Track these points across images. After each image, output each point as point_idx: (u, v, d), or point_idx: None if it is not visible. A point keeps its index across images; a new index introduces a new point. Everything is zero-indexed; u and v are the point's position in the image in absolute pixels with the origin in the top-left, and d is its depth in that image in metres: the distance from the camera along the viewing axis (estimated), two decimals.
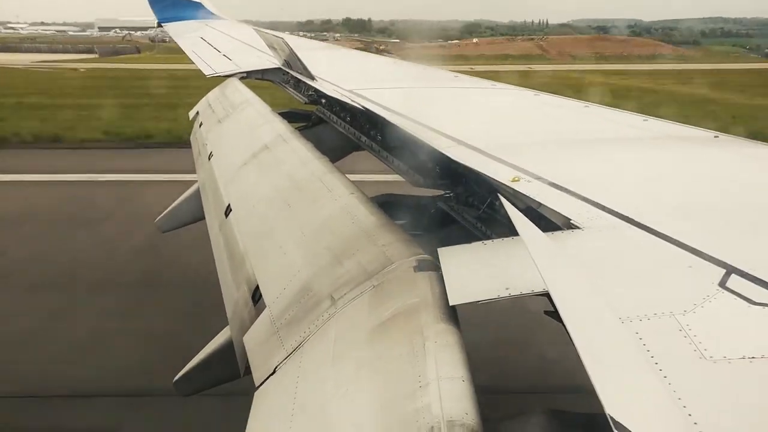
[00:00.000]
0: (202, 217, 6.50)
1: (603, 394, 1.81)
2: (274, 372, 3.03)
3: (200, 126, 9.41)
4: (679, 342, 2.12)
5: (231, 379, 4.31)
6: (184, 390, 4.87)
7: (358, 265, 3.35)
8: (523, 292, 2.54)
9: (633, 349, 2.08)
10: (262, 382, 3.03)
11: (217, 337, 4.57)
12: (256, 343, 3.42)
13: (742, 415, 1.82)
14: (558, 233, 3.02)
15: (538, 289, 2.54)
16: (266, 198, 5.16)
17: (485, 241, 3.03)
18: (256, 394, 2.98)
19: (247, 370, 3.58)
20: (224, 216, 5.37)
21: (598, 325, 2.21)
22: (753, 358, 1.99)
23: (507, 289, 2.57)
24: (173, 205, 9.16)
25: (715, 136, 5.01)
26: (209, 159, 7.44)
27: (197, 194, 7.96)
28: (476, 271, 2.83)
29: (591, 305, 2.32)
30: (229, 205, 5.44)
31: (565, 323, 2.10)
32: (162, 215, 9.27)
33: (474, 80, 9.53)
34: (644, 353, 2.06)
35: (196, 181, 8.04)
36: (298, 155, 5.42)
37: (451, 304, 2.55)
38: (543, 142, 5.09)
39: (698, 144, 4.98)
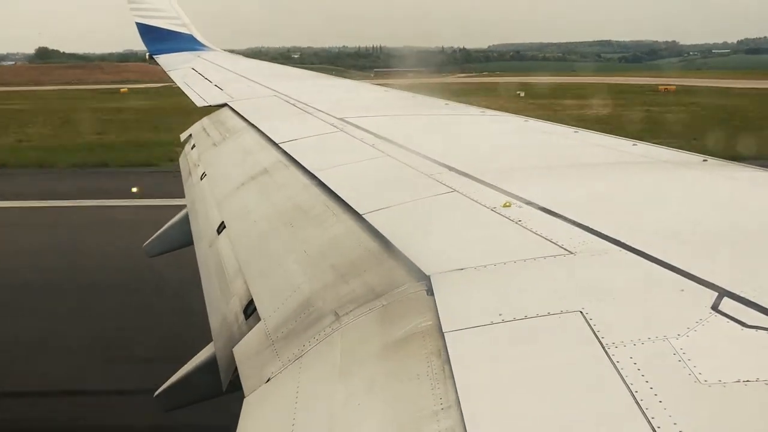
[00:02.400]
0: (190, 243, 6.47)
1: None
2: (267, 382, 2.99)
3: (192, 148, 9.43)
4: (674, 366, 2.11)
5: (213, 396, 4.29)
6: (165, 405, 4.84)
7: (365, 285, 3.32)
8: (517, 318, 2.53)
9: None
10: (253, 391, 2.99)
11: (201, 353, 4.54)
12: (248, 354, 3.37)
13: None
14: (549, 258, 3.02)
15: (532, 314, 2.54)
16: (266, 217, 5.14)
17: (477, 267, 3.03)
18: (246, 401, 2.94)
19: (231, 386, 3.56)
20: (216, 233, 5.36)
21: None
22: (748, 381, 1.98)
23: (500, 315, 2.56)
24: (161, 229, 9.09)
25: (703, 160, 5.05)
26: (201, 179, 7.45)
27: (186, 220, 7.94)
28: (469, 297, 2.82)
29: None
30: (222, 222, 5.44)
31: None
32: (150, 240, 9.19)
33: (463, 107, 9.60)
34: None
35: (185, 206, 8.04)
36: (301, 180, 5.42)
37: (444, 331, 2.53)
38: (534, 167, 5.12)
39: (687, 168, 5.01)
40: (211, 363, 4.05)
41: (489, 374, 2.29)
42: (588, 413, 2.00)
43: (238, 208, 5.72)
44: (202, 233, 5.87)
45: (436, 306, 2.74)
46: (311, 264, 3.92)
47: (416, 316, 2.78)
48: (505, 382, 2.22)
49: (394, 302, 3.01)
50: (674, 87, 76.33)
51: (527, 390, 2.16)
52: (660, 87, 76.64)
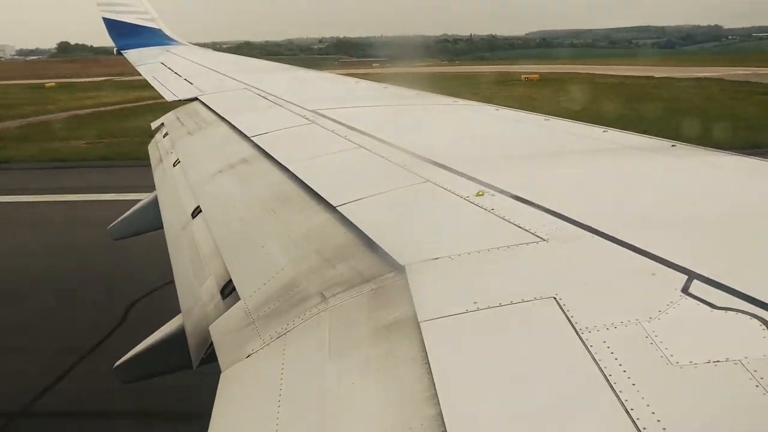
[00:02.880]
0: (158, 228, 6.46)
1: None
2: (247, 357, 2.98)
3: (164, 136, 9.36)
4: (646, 349, 2.14)
5: (179, 370, 4.31)
6: (125, 377, 4.85)
7: (353, 269, 3.30)
8: (491, 306, 2.55)
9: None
10: (231, 366, 2.98)
11: (165, 326, 4.55)
12: (226, 331, 3.35)
13: (710, 419, 1.84)
14: (523, 246, 3.05)
15: (506, 301, 2.56)
16: (246, 203, 5.12)
17: (451, 256, 3.04)
18: (223, 375, 2.93)
19: (203, 362, 3.57)
20: (191, 217, 5.34)
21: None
22: (718, 361, 2.02)
23: (475, 303, 2.58)
24: (128, 213, 9.02)
25: (672, 145, 5.11)
26: (174, 165, 7.40)
27: (154, 204, 7.93)
28: (444, 287, 2.84)
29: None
30: (198, 207, 5.41)
31: None
32: (115, 222, 9.12)
33: (435, 96, 9.61)
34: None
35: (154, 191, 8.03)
36: (273, 172, 5.39)
37: (420, 320, 2.55)
38: (506, 156, 5.14)
39: (657, 153, 5.07)
40: (177, 339, 4.09)
41: (465, 362, 2.31)
42: (562, 396, 2.03)
43: (215, 193, 5.69)
44: (174, 217, 5.84)
45: (410, 295, 2.75)
46: (294, 248, 3.91)
47: (409, 301, 2.78)
48: (481, 370, 2.24)
49: (385, 286, 3.00)
50: (537, 76, 72.93)
51: (503, 376, 2.18)
52: (523, 77, 72.95)
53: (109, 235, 9.20)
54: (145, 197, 8.83)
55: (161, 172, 7.83)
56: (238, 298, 3.59)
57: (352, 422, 2.25)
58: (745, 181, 4.22)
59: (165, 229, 5.80)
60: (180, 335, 4.05)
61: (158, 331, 4.59)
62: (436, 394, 2.11)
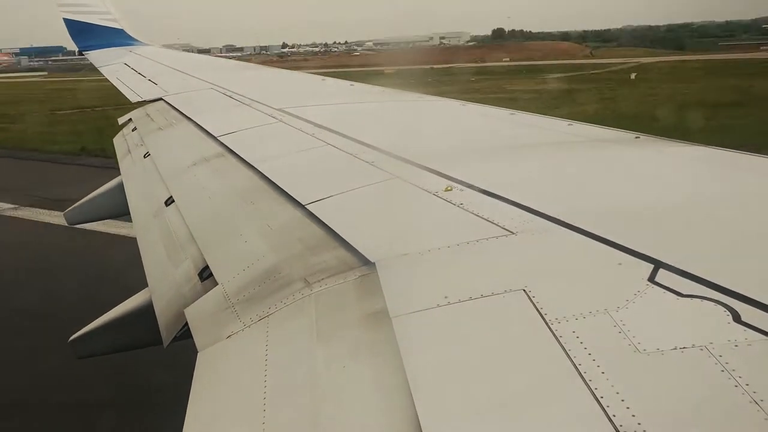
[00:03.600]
0: (118, 215, 6.82)
1: None
2: (227, 338, 2.99)
3: (133, 130, 9.26)
4: (614, 337, 2.17)
5: (141, 347, 4.36)
6: (81, 351, 4.82)
7: (338, 258, 3.29)
8: (462, 300, 2.57)
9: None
10: (209, 346, 2.99)
11: (127, 302, 4.57)
12: (202, 314, 3.36)
13: (678, 404, 1.87)
14: (492, 240, 3.07)
15: (476, 295, 2.58)
16: (219, 195, 5.13)
17: (421, 251, 3.05)
18: (202, 354, 2.94)
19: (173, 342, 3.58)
20: (164, 204, 5.35)
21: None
22: (684, 348, 2.05)
23: (446, 297, 2.59)
24: (86, 198, 8.85)
25: (636, 137, 5.18)
26: (144, 157, 7.35)
27: (115, 191, 7.94)
28: (414, 282, 2.85)
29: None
30: (171, 197, 5.41)
31: None
32: (72, 207, 8.93)
33: (400, 93, 9.62)
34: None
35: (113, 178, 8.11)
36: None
37: (391, 316, 2.55)
38: (473, 150, 5.17)
39: (621, 145, 5.14)
40: (141, 316, 4.18)
41: (436, 356, 2.32)
42: (533, 387, 2.05)
43: (187, 185, 5.68)
44: (145, 203, 5.87)
45: (381, 292, 2.76)
46: (272, 237, 3.90)
47: None
48: (452, 363, 2.26)
49: (372, 274, 3.00)
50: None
51: (474, 369, 2.20)
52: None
53: (65, 219, 9.01)
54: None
55: (129, 163, 7.78)
56: (215, 283, 3.59)
57: (343, 403, 2.27)
58: (708, 171, 4.29)
59: (133, 215, 5.81)
60: (145, 313, 4.08)
61: (119, 306, 4.62)
62: (409, 387, 2.12)
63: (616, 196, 3.69)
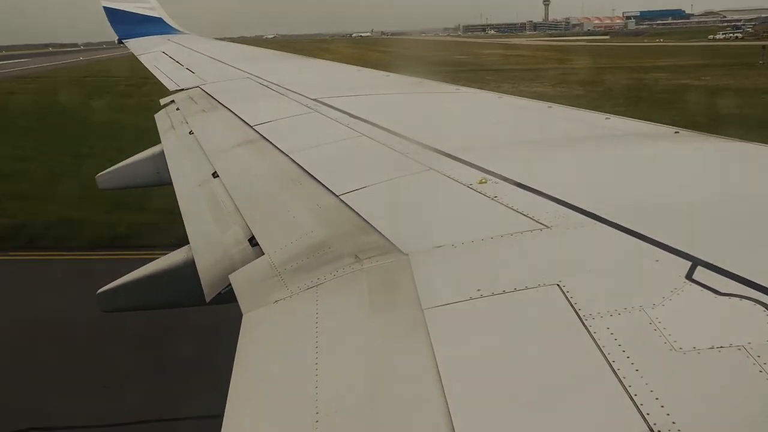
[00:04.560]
0: (147, 185, 7.31)
1: None
2: (274, 303, 3.04)
3: (177, 110, 9.43)
4: (650, 335, 2.15)
5: (170, 306, 4.57)
6: (108, 305, 4.92)
7: (382, 238, 3.31)
8: (495, 293, 2.56)
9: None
10: (255, 310, 3.03)
11: (159, 260, 4.67)
12: (248, 280, 3.41)
13: (713, 403, 1.85)
14: (526, 233, 3.05)
15: (510, 289, 2.57)
16: (261, 177, 5.20)
17: (455, 243, 3.05)
18: (248, 316, 2.97)
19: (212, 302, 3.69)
20: (211, 176, 5.49)
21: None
22: (721, 347, 2.02)
23: (478, 290, 2.58)
24: (120, 164, 8.99)
25: (675, 132, 5.10)
26: (189, 134, 7.50)
27: (151, 159, 8.21)
28: (447, 274, 2.84)
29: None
30: (215, 172, 5.54)
31: None
32: (105, 172, 9.06)
33: (437, 84, 9.58)
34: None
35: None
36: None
37: (423, 308, 2.55)
38: (508, 143, 5.14)
39: (660, 140, 5.06)
40: (172, 277, 4.38)
41: (469, 349, 2.32)
42: (565, 382, 2.04)
43: (231, 164, 5.78)
44: (188, 174, 6.02)
45: (414, 283, 2.76)
46: (316, 217, 3.93)
47: None
48: (484, 357, 2.25)
49: None
50: None
51: (506, 363, 2.19)
52: None
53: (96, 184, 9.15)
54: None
55: (173, 137, 7.95)
56: (261, 253, 3.66)
57: (397, 378, 2.26)
58: (749, 166, 4.21)
59: (175, 183, 5.92)
60: (176, 273, 4.28)
61: (150, 264, 4.71)
62: (441, 380, 2.12)
63: (653, 191, 3.63)
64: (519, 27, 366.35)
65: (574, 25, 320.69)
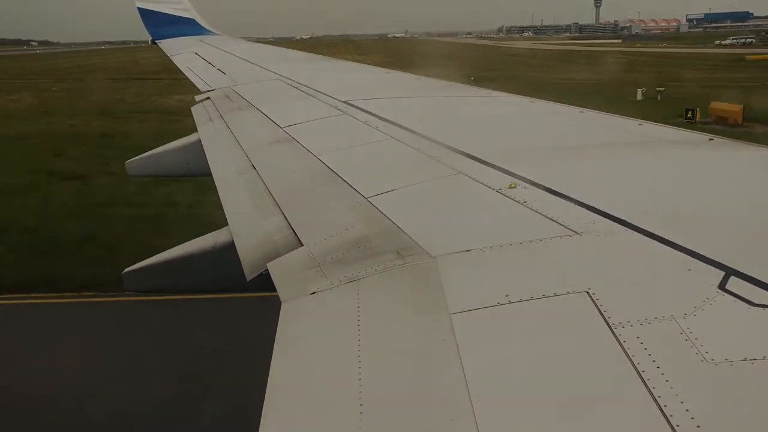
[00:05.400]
0: (176, 174, 7.57)
1: None
2: (312, 294, 3.05)
3: (212, 105, 9.52)
4: (681, 345, 2.12)
5: (196, 291, 4.44)
6: (133, 285, 4.98)
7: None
8: (523, 299, 2.54)
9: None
10: (295, 299, 3.05)
11: (186, 244, 4.71)
12: (287, 268, 3.44)
13: (745, 416, 1.81)
14: (555, 239, 3.02)
15: (538, 295, 2.55)
16: (297, 174, 5.22)
17: (483, 248, 3.03)
18: (287, 306, 2.99)
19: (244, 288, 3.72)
20: (251, 167, 5.57)
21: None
22: (755, 359, 1.99)
23: (507, 296, 2.57)
24: (152, 151, 9.04)
25: (710, 139, 5.03)
26: (223, 129, 7.58)
27: (184, 149, 8.35)
28: (476, 279, 2.83)
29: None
30: (253, 165, 5.62)
31: None
32: (136, 158, 9.11)
33: (467, 88, 9.55)
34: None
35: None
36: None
37: (450, 312, 2.54)
38: (539, 148, 5.10)
39: (694, 147, 5.00)
40: (200, 262, 4.44)
41: (496, 355, 2.30)
42: (595, 393, 2.01)
43: (267, 159, 5.84)
44: (230, 163, 6.08)
45: (442, 287, 2.75)
46: (357, 213, 3.94)
47: None
48: (512, 363, 2.23)
49: None
50: None
51: (534, 371, 2.17)
52: None
53: (126, 170, 9.20)
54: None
55: (209, 127, 8.05)
56: (300, 244, 3.69)
57: (444, 376, 2.23)
58: None
59: (214, 171, 5.97)
60: (204, 258, 4.35)
61: (178, 247, 4.76)
62: (467, 385, 2.10)
63: (686, 199, 3.59)
64: (564, 29, 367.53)
65: (623, 28, 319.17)
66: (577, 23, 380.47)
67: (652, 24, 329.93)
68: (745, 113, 35.35)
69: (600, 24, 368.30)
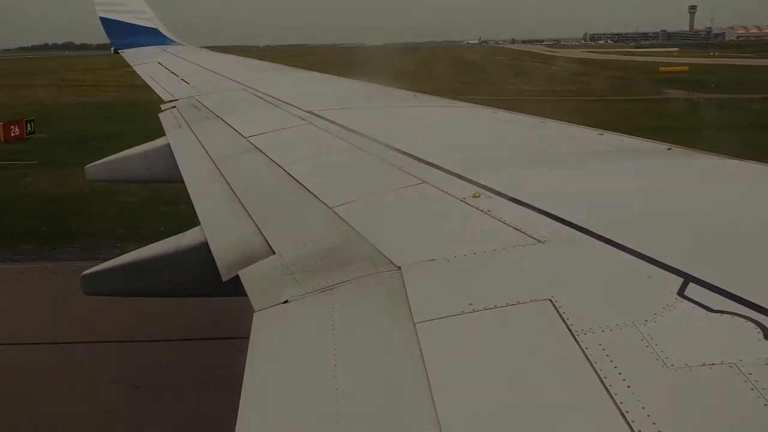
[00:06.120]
0: (135, 180, 7.77)
1: None
2: (284, 302, 3.04)
3: (179, 113, 9.47)
4: (642, 351, 2.14)
5: (157, 295, 4.61)
6: (92, 288, 4.82)
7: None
8: (487, 307, 2.55)
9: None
10: (268, 308, 3.03)
11: (147, 247, 4.65)
12: (258, 277, 3.42)
13: (705, 421, 1.84)
14: (519, 248, 3.05)
15: (502, 303, 2.56)
16: (263, 185, 5.19)
17: (447, 257, 3.04)
18: (259, 314, 2.97)
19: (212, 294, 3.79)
20: (221, 175, 5.55)
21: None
22: (713, 364, 2.02)
23: (470, 304, 2.58)
24: (113, 156, 8.91)
25: (668, 149, 5.11)
26: (195, 136, 7.55)
27: (144, 156, 8.28)
28: (440, 288, 2.84)
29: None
30: (222, 175, 5.59)
31: None
32: (96, 163, 8.97)
33: (433, 99, 9.61)
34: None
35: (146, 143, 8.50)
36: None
37: (415, 321, 2.54)
38: (502, 158, 5.14)
39: (652, 156, 5.08)
40: (164, 265, 4.43)
41: (460, 363, 2.30)
42: (556, 398, 2.03)
43: (237, 169, 5.80)
44: (201, 168, 6.09)
45: (407, 297, 2.75)
46: (329, 223, 3.92)
47: None
48: (476, 371, 2.24)
49: None
50: None
51: (497, 378, 2.18)
52: None
53: (85, 174, 9.05)
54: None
55: (180, 133, 8.03)
56: (273, 252, 3.67)
57: (426, 383, 2.22)
58: (740, 184, 4.22)
59: (185, 176, 5.99)
60: (167, 261, 4.35)
61: (138, 251, 4.68)
62: (431, 393, 2.11)
63: (646, 207, 3.64)
64: (651, 36, 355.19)
65: (717, 35, 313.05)
66: (665, 30, 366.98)
67: (755, 30, 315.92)
68: None
69: (695, 32, 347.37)
